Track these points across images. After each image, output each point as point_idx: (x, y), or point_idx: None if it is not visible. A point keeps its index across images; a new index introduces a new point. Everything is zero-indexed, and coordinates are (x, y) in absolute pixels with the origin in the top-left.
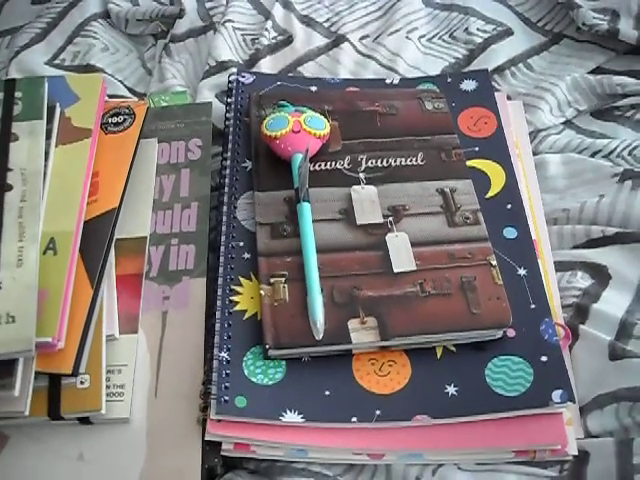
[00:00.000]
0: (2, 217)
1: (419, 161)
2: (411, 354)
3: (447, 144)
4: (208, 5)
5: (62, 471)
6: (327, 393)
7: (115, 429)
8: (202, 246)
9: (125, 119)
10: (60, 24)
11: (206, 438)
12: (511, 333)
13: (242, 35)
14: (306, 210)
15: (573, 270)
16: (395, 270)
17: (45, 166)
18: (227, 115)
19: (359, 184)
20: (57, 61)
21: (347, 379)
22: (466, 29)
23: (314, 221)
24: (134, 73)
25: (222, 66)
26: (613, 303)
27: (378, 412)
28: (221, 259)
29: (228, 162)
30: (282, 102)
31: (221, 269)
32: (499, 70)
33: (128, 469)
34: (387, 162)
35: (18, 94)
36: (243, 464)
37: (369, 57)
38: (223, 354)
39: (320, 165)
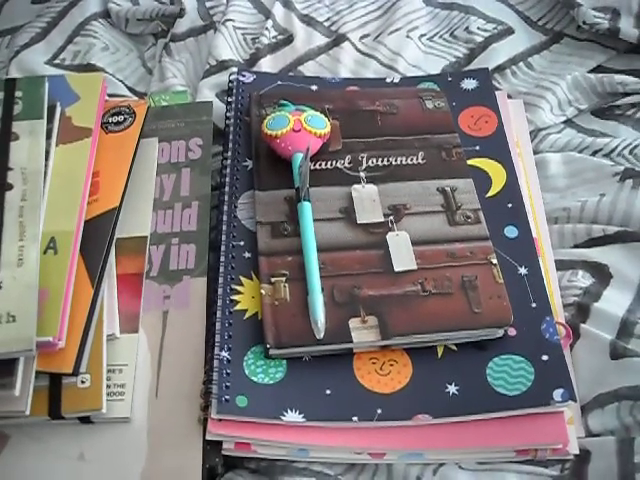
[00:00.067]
0: (2, 216)
1: (420, 160)
2: (412, 353)
3: (448, 143)
4: (208, 4)
5: (63, 471)
6: (328, 392)
7: (116, 428)
8: (203, 245)
9: (125, 118)
10: (60, 23)
11: (207, 437)
12: (512, 332)
13: (242, 34)
14: (307, 209)
15: (574, 269)
16: (396, 269)
17: (45, 165)
18: (227, 114)
19: (360, 183)
20: (57, 60)
21: (348, 378)
22: (467, 28)
23: (315, 220)
24: (134, 72)
25: (222, 65)
26: (614, 302)
27: (379, 411)
28: (222, 258)
29: (229, 161)
30: (282, 101)
31: (222, 268)
32: (500, 69)
33: (129, 468)
34: (388, 161)
35: (18, 93)
36: (244, 463)
37: (369, 56)
38: (224, 353)
39: (321, 164)
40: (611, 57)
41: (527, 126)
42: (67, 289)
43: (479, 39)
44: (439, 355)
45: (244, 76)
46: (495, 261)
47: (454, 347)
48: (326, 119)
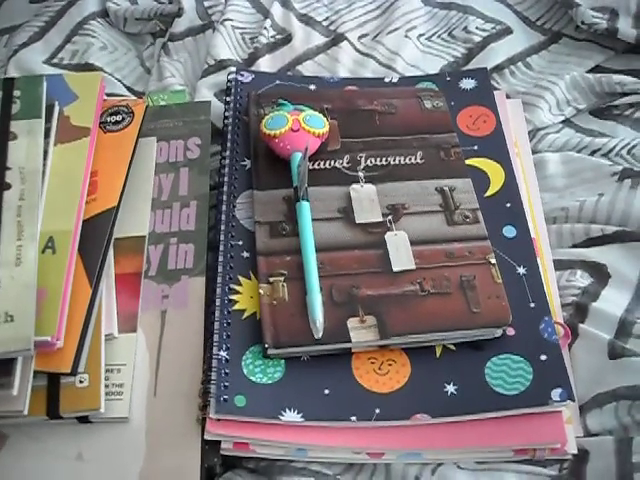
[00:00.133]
0: (0, 216)
1: (418, 160)
2: (410, 353)
3: (446, 143)
4: (207, 4)
5: (61, 470)
6: (326, 392)
7: (114, 428)
8: (201, 245)
9: (124, 118)
10: (58, 23)
11: (205, 437)
12: (510, 332)
13: (241, 34)
14: (305, 209)
15: (572, 269)
16: (394, 269)
17: (44, 165)
18: (226, 114)
19: (358, 183)
20: (55, 60)
21: (346, 378)
22: (465, 28)
23: (313, 220)
24: (133, 72)
25: (221, 65)
26: (612, 302)
27: (377, 411)
28: (220, 258)
29: (227, 161)
30: (281, 101)
31: (220, 268)
32: (498, 69)
33: (127, 468)
34: (386, 161)
35: (17, 93)
36: (242, 463)
37: (368, 56)
38: (222, 353)
39: (319, 164)
40: (609, 57)
41: (525, 126)
42: (65, 289)
43: (477, 39)
44: (438, 355)
45: (242, 76)
46: (494, 261)
47: (452, 347)
48: (325, 119)
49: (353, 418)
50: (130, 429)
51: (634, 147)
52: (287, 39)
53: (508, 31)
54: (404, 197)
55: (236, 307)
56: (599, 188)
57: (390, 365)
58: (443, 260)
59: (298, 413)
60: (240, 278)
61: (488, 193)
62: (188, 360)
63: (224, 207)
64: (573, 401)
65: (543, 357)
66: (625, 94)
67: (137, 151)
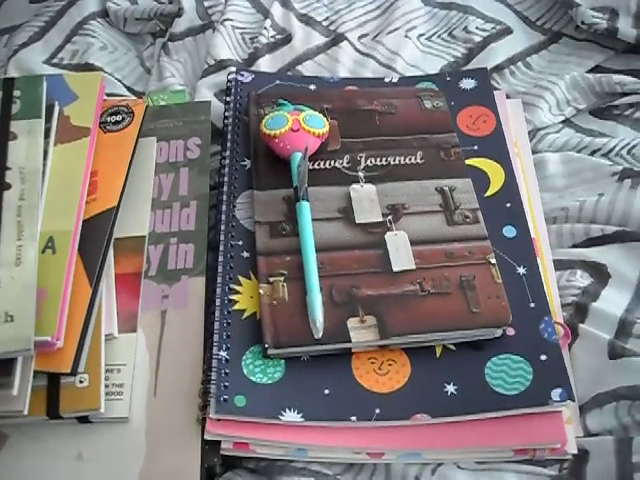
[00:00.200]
0: (0, 216)
1: (418, 160)
2: (410, 353)
3: (446, 143)
4: (207, 4)
5: (61, 471)
6: (326, 392)
7: (114, 428)
8: (201, 245)
9: (124, 118)
10: (58, 23)
11: (205, 437)
12: (510, 332)
13: (241, 34)
14: (305, 209)
15: (572, 269)
16: (394, 269)
17: (44, 165)
18: (226, 114)
19: (358, 183)
20: (55, 60)
21: (346, 378)
22: (465, 28)
23: (313, 220)
24: (133, 72)
25: (221, 65)
26: (612, 302)
27: (377, 411)
28: (220, 258)
29: (227, 161)
30: (281, 101)
31: (220, 268)
32: (498, 69)
33: (127, 468)
34: (386, 161)
35: (17, 93)
36: (242, 463)
37: (368, 56)
38: (222, 353)
39: (319, 164)
40: (609, 57)
41: (525, 126)
42: (65, 289)
43: (477, 39)
44: (438, 355)
45: (242, 76)
46: (494, 261)
47: (452, 347)
48: (325, 119)
49: (353, 418)
50: (130, 429)
51: (634, 147)
52: (287, 39)
53: (508, 31)
54: (404, 197)
55: (236, 307)
56: (599, 188)
57: (390, 365)
58: (443, 260)
59: (298, 413)
60: (240, 278)
61: (488, 193)
62: (188, 360)
63: (224, 207)
64: (573, 401)
65: (543, 357)
66: (625, 94)
67: (137, 151)
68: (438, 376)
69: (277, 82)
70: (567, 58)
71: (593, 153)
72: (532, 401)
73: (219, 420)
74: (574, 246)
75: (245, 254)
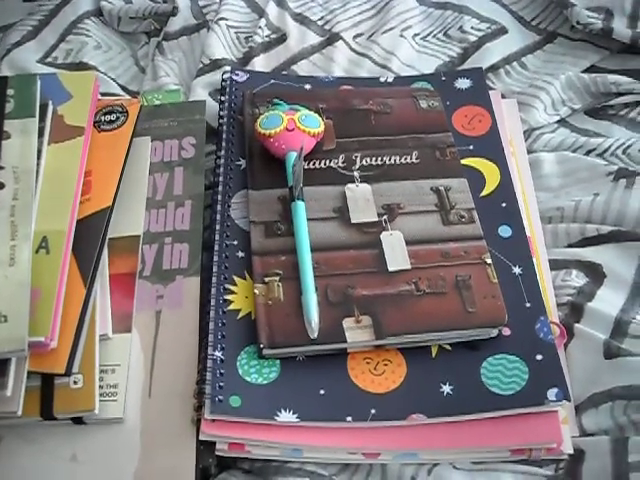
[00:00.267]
0: None
1: (414, 159)
2: (406, 353)
3: (442, 142)
4: (201, 3)
5: (55, 472)
6: (322, 392)
7: (109, 429)
8: (196, 245)
9: (118, 117)
10: (52, 22)
11: (200, 438)
12: (506, 332)
13: (236, 33)
14: (300, 209)
15: (568, 269)
16: (390, 269)
17: (37, 164)
18: (221, 113)
19: (353, 182)
20: (49, 59)
21: (342, 378)
22: (460, 27)
23: (308, 220)
24: (127, 71)
25: (216, 64)
26: (608, 302)
27: (373, 411)
28: (215, 258)
29: (222, 160)
30: (276, 100)
31: (215, 268)
32: (493, 68)
33: (122, 469)
34: (382, 160)
35: (10, 92)
36: (238, 464)
37: (363, 55)
38: (217, 353)
39: (314, 163)
40: (604, 57)
41: (521, 126)
42: (59, 289)
43: (473, 38)
44: (433, 355)
45: (237, 75)
46: (489, 261)
47: (448, 347)
48: (320, 118)
49: (349, 418)
50: (125, 430)
51: (629, 147)
52: (282, 38)
53: (503, 31)
54: (399, 197)
55: (231, 307)
56: (594, 188)
57: (386, 365)
58: (439, 260)
59: (293, 413)
60: (235, 278)
61: (483, 193)
62: (183, 360)
63: (219, 207)
64: (569, 401)
65: (539, 357)
66: (620, 94)
67: (131, 150)
68: (434, 376)
69: (272, 81)
70: (562, 58)
71: (588, 153)
72: (528, 401)
73: (214, 421)
74: (569, 246)
75: (240, 254)
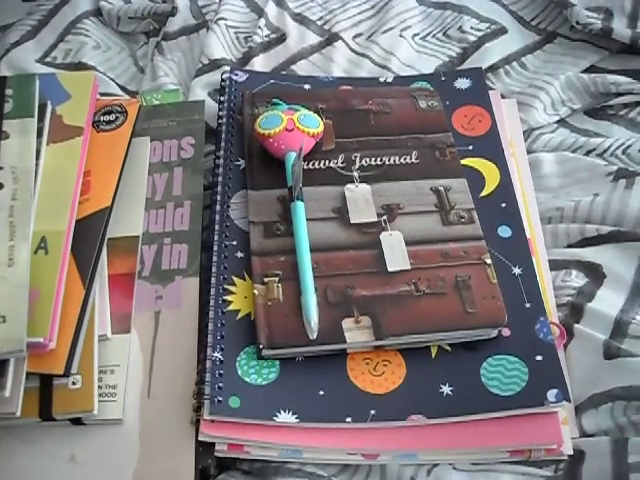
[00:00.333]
0: None
1: (413, 160)
2: (406, 353)
3: (441, 142)
4: (201, 3)
5: (54, 473)
6: (321, 393)
7: (107, 430)
8: (195, 245)
9: (117, 117)
10: (51, 22)
11: (199, 439)
12: (506, 332)
13: (235, 33)
14: (300, 209)
15: (568, 269)
16: (389, 269)
17: (36, 165)
18: (220, 113)
19: (353, 183)
20: (48, 59)
21: (341, 379)
22: (460, 27)
23: (308, 220)
24: (126, 71)
25: (215, 64)
26: (608, 302)
27: (373, 412)
28: (214, 258)
29: (221, 161)
30: (275, 100)
31: (214, 268)
32: (493, 69)
33: (121, 470)
34: (381, 160)
35: (9, 92)
36: (237, 465)
37: (363, 55)
38: (216, 354)
39: (314, 164)
40: (604, 57)
41: (520, 126)
42: (58, 289)
43: (472, 38)
44: (433, 355)
45: (237, 75)
46: (489, 261)
47: (448, 347)
48: (319, 118)
49: (348, 419)
50: (124, 431)
51: (629, 147)
52: (281, 38)
53: (503, 31)
54: (399, 197)
55: (230, 308)
56: (594, 188)
57: (385, 366)
58: (438, 260)
59: (293, 414)
60: (234, 278)
61: (483, 193)
62: (182, 361)
63: (218, 207)
64: (569, 402)
65: (539, 357)
66: (620, 94)
67: (130, 151)
68: (433, 377)
69: (271, 81)
70: (562, 58)
71: (588, 153)
72: (528, 402)
73: (213, 421)
74: (569, 246)
75: (239, 254)
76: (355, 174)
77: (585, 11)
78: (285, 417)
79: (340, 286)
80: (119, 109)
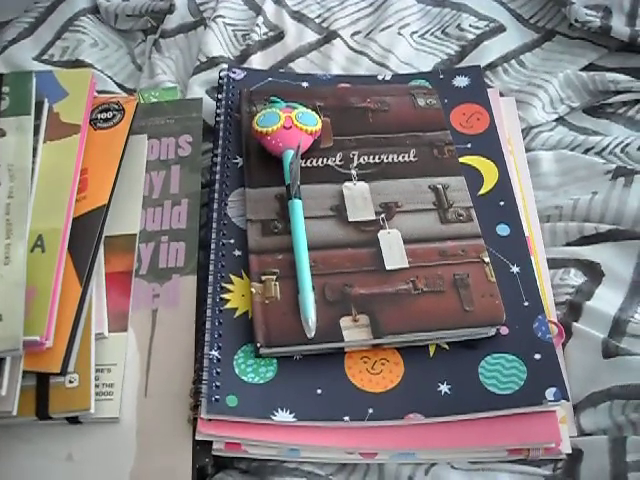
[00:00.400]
0: None
1: (411, 157)
2: (404, 352)
3: (439, 140)
4: (198, 0)
5: (51, 471)
6: (319, 392)
7: (104, 429)
8: (192, 243)
9: (114, 115)
10: (48, 19)
11: (197, 437)
12: (504, 331)
13: (233, 31)
14: (297, 207)
15: (566, 267)
16: (387, 267)
17: (33, 162)
18: (218, 111)
19: (351, 181)
20: (46, 56)
21: (339, 377)
22: (458, 25)
23: (306, 218)
24: (124, 69)
25: (213, 62)
26: (606, 300)
27: (370, 411)
28: (212, 256)
29: (219, 158)
30: (273, 98)
31: (212, 267)
32: (491, 66)
33: (118, 469)
34: (379, 158)
35: (5, 89)
36: (234, 464)
37: (361, 53)
38: (214, 352)
39: (311, 161)
40: (603, 55)
41: (519, 124)
42: (55, 287)
43: (471, 36)
44: (431, 354)
45: (234, 73)
46: (487, 259)
47: (446, 346)
48: (317, 116)
49: (346, 418)
50: (121, 429)
51: (627, 145)
52: (279, 36)
53: (501, 29)
54: (397, 195)
55: (228, 306)
56: (593, 186)
57: (383, 364)
58: (436, 258)
59: (290, 413)
60: (232, 277)
61: (481, 191)
62: (179, 360)
63: (216, 205)
64: (567, 400)
65: (537, 356)
66: (618, 92)
67: (128, 148)
68: (431, 375)
69: (269, 79)
70: (560, 56)
71: (587, 151)
72: (526, 401)
73: (210, 420)
74: (568, 244)
75: (237, 252)
76: (353, 172)
77: (584, 9)
78: (283, 416)
79: (338, 284)
80: (116, 107)
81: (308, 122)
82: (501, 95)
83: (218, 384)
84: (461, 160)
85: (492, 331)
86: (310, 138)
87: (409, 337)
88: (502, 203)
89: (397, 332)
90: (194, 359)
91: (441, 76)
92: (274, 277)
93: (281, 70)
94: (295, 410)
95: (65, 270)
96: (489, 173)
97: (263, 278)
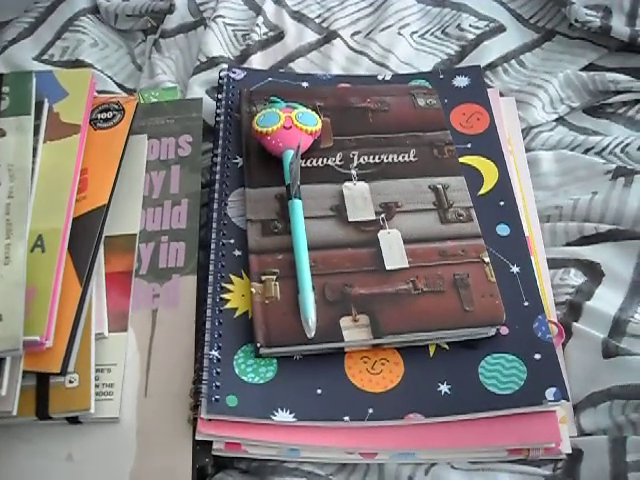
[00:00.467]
0: None
1: (411, 157)
2: (404, 352)
3: (439, 140)
4: (198, 0)
5: (51, 471)
6: (319, 392)
7: (104, 429)
8: (192, 243)
9: (114, 115)
10: (48, 19)
11: (197, 437)
12: (504, 331)
13: (233, 31)
14: (297, 207)
15: (566, 267)
16: (387, 267)
17: (33, 162)
18: (218, 111)
19: (351, 181)
20: (46, 56)
21: (339, 377)
22: (458, 25)
23: (306, 218)
24: (124, 69)
25: (213, 62)
26: (606, 300)
27: (370, 411)
28: (212, 257)
29: (219, 158)
30: (273, 98)
31: (212, 267)
32: (491, 66)
33: (118, 469)
34: (379, 158)
35: (5, 89)
36: (234, 464)
37: (361, 53)
38: (214, 352)
39: (311, 161)
40: (603, 55)
41: (519, 124)
42: (55, 287)
43: (471, 36)
44: (431, 354)
45: (234, 73)
46: (487, 259)
47: (446, 346)
48: (317, 116)
49: (346, 418)
50: (121, 429)
51: (627, 145)
52: (279, 36)
53: (502, 29)
54: (397, 195)
55: (228, 306)
56: (593, 186)
57: (383, 364)
58: (436, 258)
59: (290, 413)
60: (232, 277)
61: (481, 191)
62: (179, 360)
63: (216, 205)
64: (567, 401)
65: (537, 356)
66: (618, 92)
67: (128, 148)
68: (431, 375)
69: (269, 79)
70: (560, 56)
71: (586, 151)
72: (526, 401)
73: (210, 420)
74: (568, 244)
75: (237, 252)
76: (353, 172)
77: (584, 9)
78: (283, 416)
79: (338, 284)
80: (116, 107)
81: (308, 122)
82: (501, 95)
83: (218, 384)
84: (461, 160)
85: (492, 331)
86: (310, 138)
87: (409, 337)
88: (502, 203)
89: (397, 332)
90: (194, 359)
91: (441, 76)
92: (274, 277)
93: (281, 70)
94: (295, 410)
95: (65, 270)
96: (489, 173)
97: (263, 278)
